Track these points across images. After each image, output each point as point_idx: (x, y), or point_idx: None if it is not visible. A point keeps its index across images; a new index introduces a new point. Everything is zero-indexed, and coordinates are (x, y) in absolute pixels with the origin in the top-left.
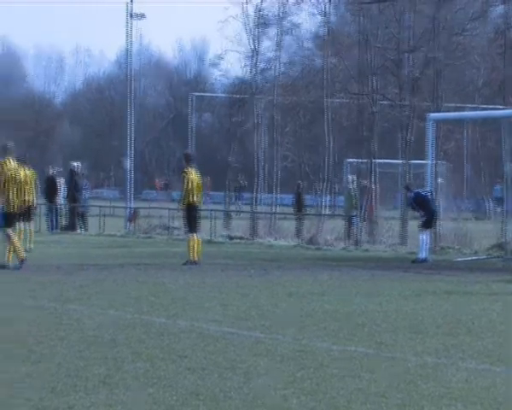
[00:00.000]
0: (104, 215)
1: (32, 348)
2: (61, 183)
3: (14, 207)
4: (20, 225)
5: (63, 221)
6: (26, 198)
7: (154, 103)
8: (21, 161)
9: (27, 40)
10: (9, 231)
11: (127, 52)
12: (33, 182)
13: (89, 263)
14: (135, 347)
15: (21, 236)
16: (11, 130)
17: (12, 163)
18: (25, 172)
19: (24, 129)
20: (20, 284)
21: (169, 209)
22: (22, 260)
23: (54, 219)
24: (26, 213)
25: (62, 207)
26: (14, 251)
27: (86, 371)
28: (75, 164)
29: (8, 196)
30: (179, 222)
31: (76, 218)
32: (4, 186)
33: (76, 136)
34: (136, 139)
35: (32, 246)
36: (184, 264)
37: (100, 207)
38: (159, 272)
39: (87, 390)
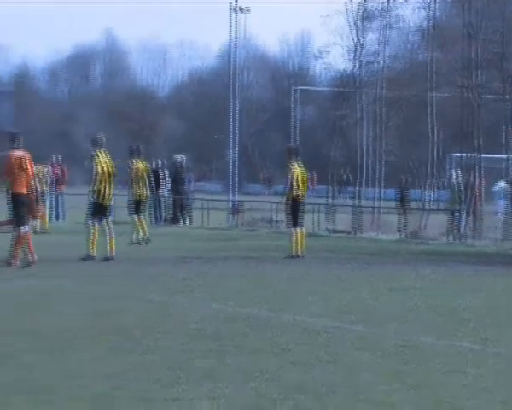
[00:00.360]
0: (207, 208)
1: (138, 341)
2: (165, 175)
3: (102, 199)
4: (140, 217)
5: (167, 214)
6: (139, 191)
7: (258, 96)
8: (136, 153)
9: (131, 33)
10: (91, 221)
11: (231, 45)
12: (146, 175)
13: (192, 256)
14: (238, 340)
15: (144, 227)
16: (117, 123)
17: (103, 156)
18: (139, 165)
19: (129, 122)
20: (130, 276)
21: (272, 203)
22: (109, 258)
23: (158, 212)
24: (141, 206)
25: (166, 199)
26: (93, 243)
27: (190, 363)
28: (179, 157)
29: (99, 187)
30: (282, 215)
31: (179, 211)
32: (96, 178)
33: (179, 129)
34: (239, 132)
35: (147, 236)
36: (287, 257)
37: (203, 200)
38: (261, 265)
39: (191, 383)
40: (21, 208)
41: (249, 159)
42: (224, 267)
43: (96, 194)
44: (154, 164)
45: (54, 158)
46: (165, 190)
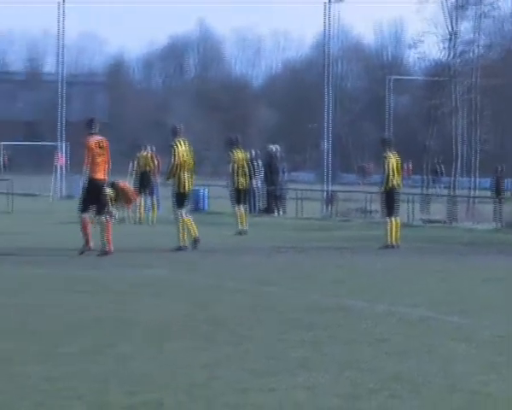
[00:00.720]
0: (301, 198)
1: (233, 330)
2: (259, 165)
3: (184, 188)
4: (241, 208)
5: (261, 204)
6: (240, 181)
7: (351, 86)
8: (235, 144)
9: (225, 23)
10: (179, 211)
11: (325, 35)
12: (245, 164)
13: (286, 246)
14: (332, 330)
15: (244, 218)
16: (210, 113)
17: (183, 145)
18: (239, 155)
19: (222, 112)
20: (224, 266)
21: (366, 193)
22: (196, 240)
23: (252, 202)
24: (242, 195)
25: (260, 189)
26: (186, 231)
27: (285, 353)
28: (273, 147)
29: (179, 176)
30: (377, 205)
31: (273, 201)
32: (173, 168)
33: (273, 119)
34: (333, 122)
35: (246, 228)
36: (381, 247)
37: (297, 190)
38: (356, 255)
39: (286, 373)
40: (100, 195)
41: (343, 149)
42: (319, 257)
43: (176, 184)
44: (248, 154)
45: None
46: (258, 181)
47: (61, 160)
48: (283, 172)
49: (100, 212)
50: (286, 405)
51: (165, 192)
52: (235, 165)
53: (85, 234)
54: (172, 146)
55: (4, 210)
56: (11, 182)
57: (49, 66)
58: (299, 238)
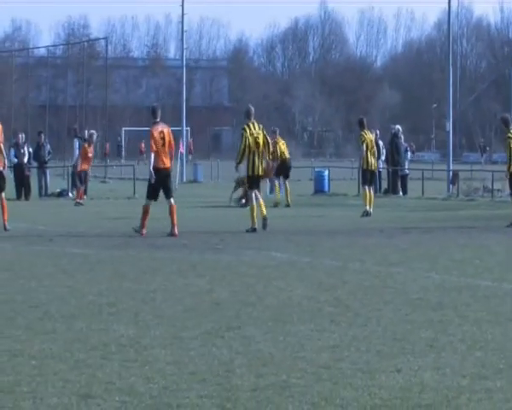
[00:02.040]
0: (425, 178)
1: (358, 312)
2: (381, 146)
3: (253, 171)
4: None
5: (384, 185)
6: (372, 161)
7: (475, 65)
8: (364, 124)
9: (347, 4)
10: (252, 192)
11: (448, 15)
12: (374, 145)
13: (410, 226)
14: (460, 310)
15: (371, 200)
16: (333, 95)
17: (255, 127)
18: (368, 136)
19: (345, 94)
20: (346, 247)
21: (491, 171)
22: (265, 219)
23: (377, 183)
24: (370, 176)
25: (382, 170)
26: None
27: (412, 334)
28: (397, 127)
29: (251, 159)
30: (502, 184)
31: (397, 181)
32: (243, 151)
33: (395, 99)
34: (456, 102)
35: (371, 209)
36: (509, 226)
37: (420, 170)
38: (482, 234)
39: (414, 353)
40: (165, 182)
41: (467, 128)
42: (444, 237)
43: (248, 167)
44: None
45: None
46: (380, 161)
47: (182, 145)
48: (405, 152)
49: (168, 196)
50: (413, 386)
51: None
52: (366, 146)
53: (143, 219)
54: (244, 129)
55: (128, 196)
56: (135, 167)
57: (171, 51)
58: (422, 218)
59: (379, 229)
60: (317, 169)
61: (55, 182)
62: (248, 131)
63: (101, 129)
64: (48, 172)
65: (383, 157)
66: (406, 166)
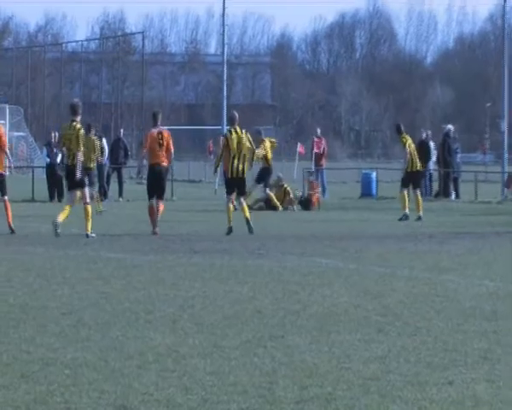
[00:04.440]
0: (478, 181)
1: (407, 321)
2: (432, 147)
3: (233, 174)
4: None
5: (436, 188)
6: (414, 164)
7: None
8: (402, 129)
9: None
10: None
11: (503, 6)
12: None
13: (463, 231)
14: None
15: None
16: (382, 93)
17: (236, 133)
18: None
19: (394, 92)
20: (393, 253)
21: None
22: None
23: (428, 186)
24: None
25: (432, 172)
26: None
27: (465, 345)
28: (448, 126)
29: (231, 163)
30: None
31: (449, 183)
32: (222, 156)
33: (447, 97)
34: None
35: (421, 213)
36: None
37: (473, 172)
38: None
39: (466, 365)
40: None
41: None
42: (499, 243)
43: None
44: (423, 135)
45: (318, 131)
46: (430, 162)
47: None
48: (455, 153)
49: (160, 196)
50: (466, 399)
51: (329, 177)
52: (409, 147)
53: (151, 219)
54: (225, 135)
55: (166, 198)
56: (170, 167)
57: (211, 47)
58: (476, 223)
59: (429, 234)
60: (363, 171)
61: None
62: (230, 136)
63: (137, 128)
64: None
65: (434, 158)
66: (458, 168)
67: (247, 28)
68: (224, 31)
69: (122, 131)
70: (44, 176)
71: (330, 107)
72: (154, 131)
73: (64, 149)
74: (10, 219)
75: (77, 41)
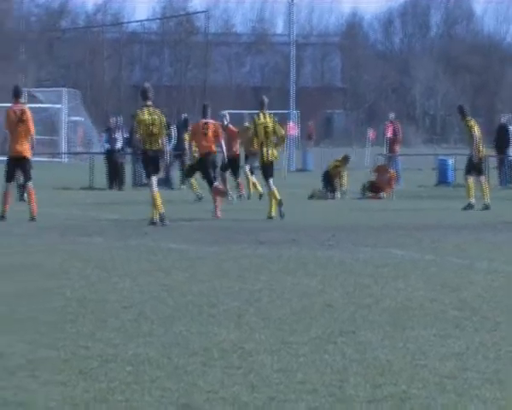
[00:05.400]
0: None
1: (486, 316)
2: (511, 132)
3: (263, 160)
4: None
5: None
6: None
7: None
8: (466, 112)
9: None
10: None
11: None
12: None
13: None
14: None
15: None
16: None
17: (265, 118)
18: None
19: (471, 74)
20: (470, 244)
21: None
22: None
23: (504, 173)
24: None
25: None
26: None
27: None
28: None
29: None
30: None
31: None
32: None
33: None
34: None
35: (487, 201)
36: None
37: None
38: None
39: None
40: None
41: None
42: None
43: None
44: (503, 119)
45: (391, 116)
46: (510, 148)
47: (292, 129)
48: None
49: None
50: None
51: (404, 164)
52: (477, 133)
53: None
54: (254, 118)
55: (233, 185)
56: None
57: (278, 27)
58: None
59: (509, 224)
60: (440, 157)
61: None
62: (257, 121)
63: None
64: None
65: None
66: None
67: (316, 7)
68: (291, 9)
69: (185, 116)
70: (103, 163)
71: (404, 90)
72: (201, 122)
73: (139, 135)
74: (34, 207)
75: (137, 21)
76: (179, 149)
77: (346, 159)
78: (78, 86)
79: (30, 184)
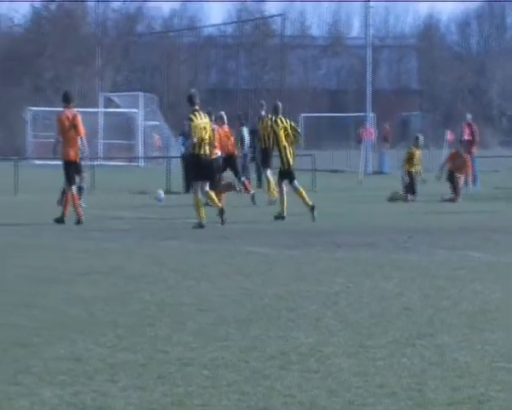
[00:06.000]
0: None
1: None
2: None
3: (285, 164)
4: None
5: None
6: None
7: None
8: None
9: None
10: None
11: None
12: None
13: None
14: None
15: None
16: None
17: (283, 123)
18: None
19: None
20: None
21: None
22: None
23: None
24: None
25: None
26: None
27: None
28: None
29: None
30: None
31: None
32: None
33: None
34: None
35: None
36: None
37: None
38: None
39: None
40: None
41: None
42: None
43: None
44: None
45: (469, 117)
46: None
47: (369, 133)
48: None
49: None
50: None
51: (481, 166)
52: None
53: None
54: (272, 125)
55: (308, 189)
56: (314, 157)
57: (354, 29)
58: None
59: None
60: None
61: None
62: (277, 126)
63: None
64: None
65: None
66: None
67: (392, 9)
68: (368, 12)
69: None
70: (180, 166)
71: (480, 91)
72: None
73: (196, 139)
74: (66, 210)
75: (213, 25)
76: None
77: (416, 141)
78: (154, 90)
79: (73, 188)
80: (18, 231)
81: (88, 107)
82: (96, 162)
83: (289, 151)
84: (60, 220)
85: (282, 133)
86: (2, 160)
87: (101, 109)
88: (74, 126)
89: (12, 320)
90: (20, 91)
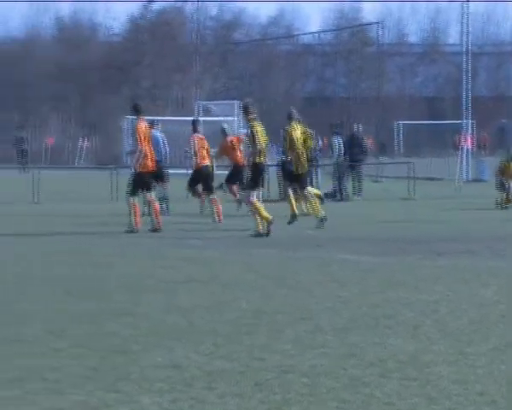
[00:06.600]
0: None
1: None
2: None
3: (297, 169)
4: None
5: None
6: None
7: None
8: None
9: None
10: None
11: None
12: None
13: None
14: None
15: None
16: None
17: (297, 129)
18: None
19: None
20: None
21: None
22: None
23: None
24: None
25: None
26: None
27: None
28: None
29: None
30: None
31: None
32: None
33: None
34: None
35: None
36: None
37: None
38: None
39: None
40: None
41: None
42: None
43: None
44: None
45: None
46: None
47: (468, 140)
48: None
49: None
50: None
51: None
52: None
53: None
54: (286, 130)
55: (405, 196)
56: (412, 165)
57: (452, 36)
58: None
59: None
60: None
61: (325, 180)
62: (292, 132)
63: (374, 123)
64: (318, 170)
65: None
66: None
67: (491, 15)
68: (464, 19)
69: (357, 126)
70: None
71: None
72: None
73: (259, 146)
74: (158, 220)
75: (311, 33)
76: (353, 160)
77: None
78: (252, 98)
79: (132, 198)
80: (116, 237)
81: (184, 115)
82: (190, 170)
83: (304, 157)
84: (155, 230)
85: (300, 138)
86: (100, 168)
87: (200, 118)
88: (149, 138)
89: (111, 328)
90: (117, 100)
